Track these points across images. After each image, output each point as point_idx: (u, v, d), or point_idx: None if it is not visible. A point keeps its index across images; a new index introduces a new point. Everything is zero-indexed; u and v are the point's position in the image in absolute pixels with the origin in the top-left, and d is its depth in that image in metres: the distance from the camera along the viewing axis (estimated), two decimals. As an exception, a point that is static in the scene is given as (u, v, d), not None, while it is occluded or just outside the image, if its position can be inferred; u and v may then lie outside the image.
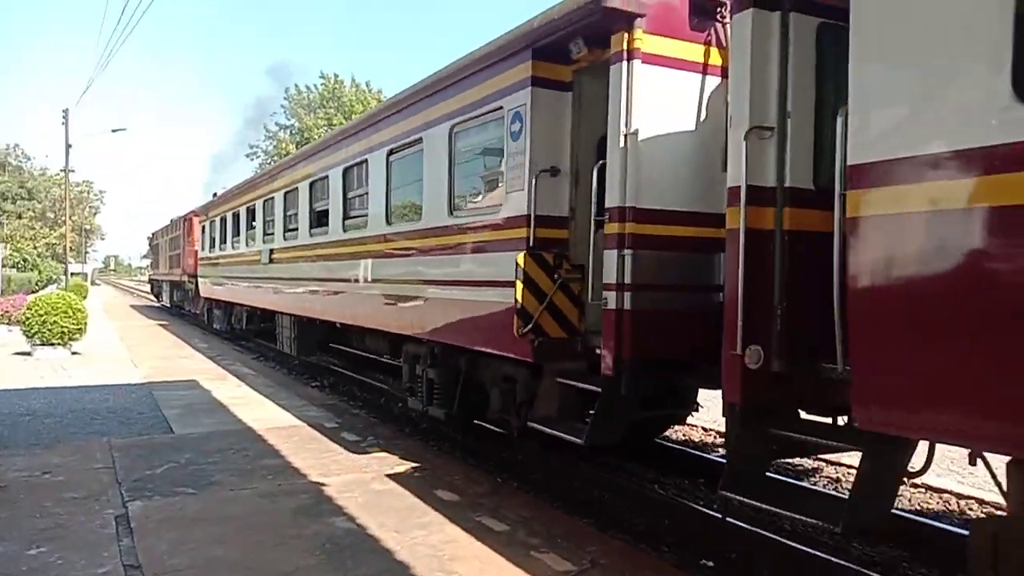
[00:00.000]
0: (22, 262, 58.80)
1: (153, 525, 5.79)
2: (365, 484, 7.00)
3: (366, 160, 10.46)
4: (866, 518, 4.58)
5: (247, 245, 18.34)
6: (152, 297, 49.22)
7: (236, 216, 19.65)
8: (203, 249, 24.73)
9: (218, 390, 12.49)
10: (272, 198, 15.86)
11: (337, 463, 7.78)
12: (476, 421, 8.95)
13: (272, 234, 15.91)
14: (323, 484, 6.94)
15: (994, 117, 3.22)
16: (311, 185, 13.09)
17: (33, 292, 39.71)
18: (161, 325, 28.75)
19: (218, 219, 22.10)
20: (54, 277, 60.45)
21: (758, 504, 4.81)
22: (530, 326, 6.47)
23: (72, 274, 50.18)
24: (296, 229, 14.02)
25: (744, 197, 4.61)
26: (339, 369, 15.10)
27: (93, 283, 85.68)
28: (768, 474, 5.55)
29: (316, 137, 45.69)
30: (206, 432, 9.19)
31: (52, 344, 16.79)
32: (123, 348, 19.58)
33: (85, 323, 17.42)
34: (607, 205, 6.05)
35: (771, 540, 5.98)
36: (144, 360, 16.58)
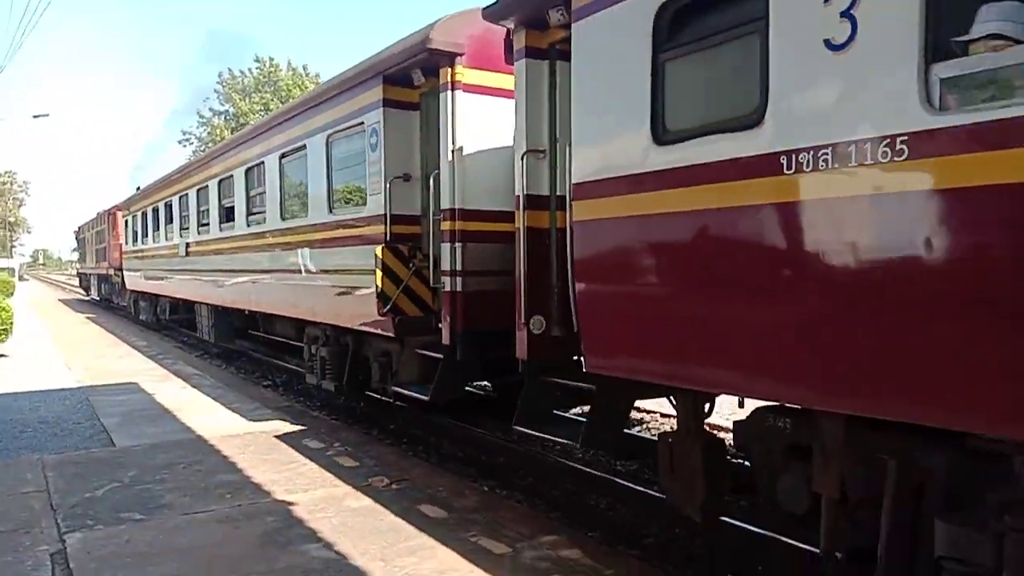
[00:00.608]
0: (-59, 258, 55.56)
1: (95, 564, 4.97)
2: (338, 501, 6.25)
3: (263, 162, 11.68)
4: (601, 436, 6.20)
5: (167, 239, 18.89)
6: (81, 291, 48.41)
7: (156, 211, 20.23)
8: (127, 243, 25.18)
9: (161, 393, 11.53)
10: (187, 194, 16.74)
11: (303, 476, 7.01)
12: (367, 392, 10.20)
13: (188, 228, 16.81)
14: (290, 503, 6.18)
15: (642, 154, 4.70)
16: (219, 183, 14.18)
17: (-47, 289, 37.31)
18: (91, 319, 27.81)
19: (140, 213, 22.75)
20: (-24, 273, 57.32)
21: (533, 432, 6.29)
22: (388, 306, 7.80)
23: (-3, 269, 47.47)
24: (208, 224, 15.11)
25: (524, 203, 6.08)
26: (257, 355, 16.17)
27: (21, 278, 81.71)
28: (555, 412, 7.02)
29: (251, 122, 44.09)
30: (151, 443, 8.31)
31: (-26, 346, 15.43)
32: (55, 348, 18.26)
33: (11, 323, 16.13)
34: (442, 207, 7.45)
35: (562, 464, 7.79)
36: (78, 361, 15.38)
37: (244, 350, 16.96)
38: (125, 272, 25.72)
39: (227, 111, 61.94)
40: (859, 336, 3.59)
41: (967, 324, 3.20)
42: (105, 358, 16.03)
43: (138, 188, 25.36)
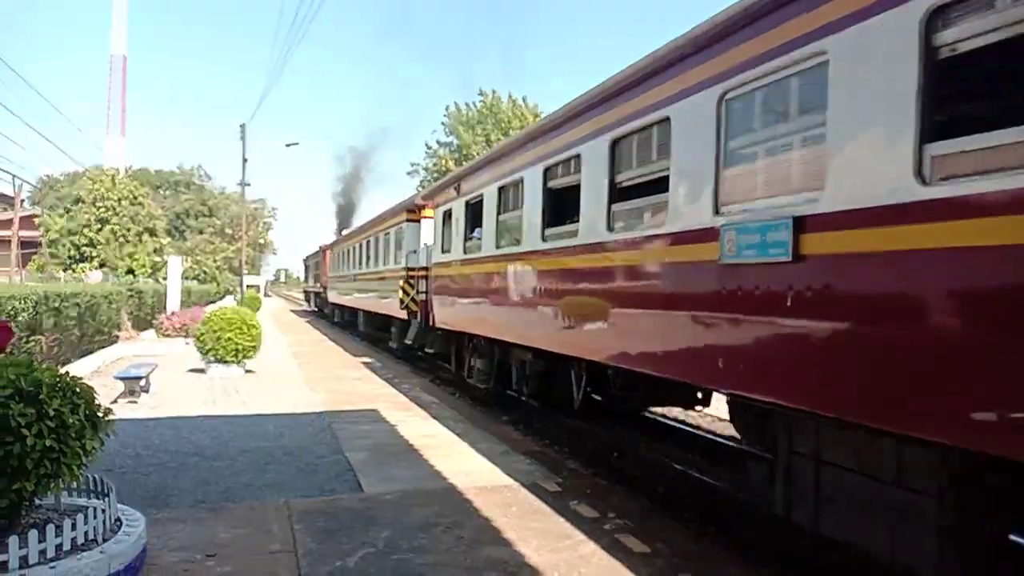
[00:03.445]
0: (202, 274, 61.60)
1: None
2: (647, 611, 4.72)
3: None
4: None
5: (364, 265, 27.32)
6: (305, 303, 68.93)
7: (345, 250, 33.27)
8: (331, 270, 38.97)
9: (404, 425, 10.69)
10: (355, 246, 29.81)
11: (587, 563, 5.54)
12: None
13: (349, 263, 31.28)
14: (586, 607, 4.73)
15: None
16: (366, 242, 26.72)
17: (211, 303, 40.77)
18: (312, 325, 39.58)
19: (338, 251, 36.52)
20: (231, 289, 63.01)
21: None
22: None
23: (248, 286, 51.77)
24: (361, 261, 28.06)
25: (405, 272, 18.32)
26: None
27: (266, 295, 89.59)
28: None
29: (476, 154, 44.65)
30: (401, 491, 7.26)
31: (226, 362, 15.78)
32: (294, 364, 18.54)
33: (259, 340, 16.34)
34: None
35: None
36: (317, 378, 15.25)
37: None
38: (328, 290, 40.35)
39: (451, 142, 63.94)
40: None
41: None
42: (343, 380, 15.79)
43: (341, 232, 44.51)
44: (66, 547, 4.68)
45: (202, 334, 15.88)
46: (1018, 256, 3.62)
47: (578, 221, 8.62)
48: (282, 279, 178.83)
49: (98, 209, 47.81)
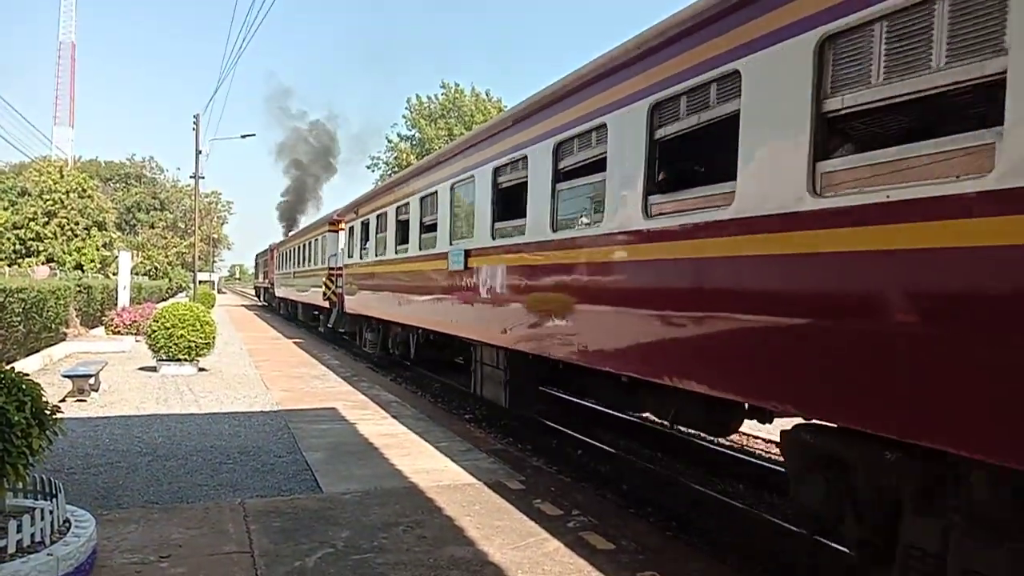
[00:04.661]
0: (153, 270, 60.28)
1: None
2: (613, 609, 4.68)
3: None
4: None
5: (292, 267, 34.29)
6: (255, 297, 73.96)
7: (291, 249, 36.94)
8: (277, 268, 44.00)
9: (363, 423, 10.53)
10: (294, 248, 35.26)
11: (552, 560, 5.49)
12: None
13: (291, 262, 36.34)
14: (551, 606, 4.68)
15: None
16: (301, 245, 32.68)
17: (164, 300, 39.88)
18: (259, 315, 44.96)
19: (282, 251, 41.48)
20: (183, 285, 61.76)
21: None
22: None
23: (200, 282, 50.91)
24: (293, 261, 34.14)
25: (327, 271, 24.53)
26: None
27: (219, 291, 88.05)
28: None
29: (436, 148, 44.48)
30: (362, 490, 7.14)
31: (179, 359, 15.41)
32: (249, 361, 18.20)
33: (213, 337, 15.98)
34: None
35: None
36: (273, 376, 14.98)
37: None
38: (274, 285, 45.14)
39: (413, 136, 63.49)
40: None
41: None
42: (300, 379, 15.54)
43: (285, 233, 49.81)
44: (11, 550, 4.47)
45: (154, 331, 15.47)
46: None
47: (406, 243, 14.52)
48: (237, 275, 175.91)
49: (45, 202, 46.49)
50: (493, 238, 9.79)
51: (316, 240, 28.15)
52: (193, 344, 15.39)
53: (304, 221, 63.59)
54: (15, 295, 16.10)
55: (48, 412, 4.94)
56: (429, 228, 12.95)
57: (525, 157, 8.90)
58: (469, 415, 12.49)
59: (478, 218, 10.43)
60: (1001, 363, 3.38)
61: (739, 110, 5.24)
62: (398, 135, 64.88)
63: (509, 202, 9.71)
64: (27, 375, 5.05)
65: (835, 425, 4.55)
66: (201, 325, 15.57)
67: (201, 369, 15.87)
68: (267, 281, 51.51)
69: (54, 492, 5.21)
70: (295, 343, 24.84)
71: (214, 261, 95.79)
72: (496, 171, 9.82)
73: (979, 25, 3.65)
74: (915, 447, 3.90)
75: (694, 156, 6.74)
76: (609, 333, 6.89)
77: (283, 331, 31.34)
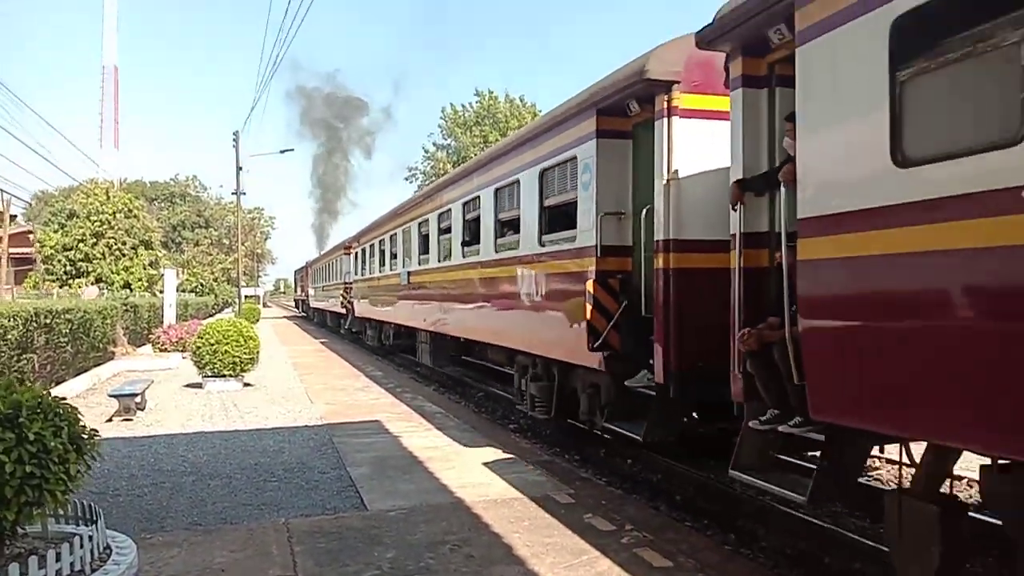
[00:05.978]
0: (199, 287, 61.22)
1: None
2: (674, 634, 4.41)
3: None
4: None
5: (328, 280, 39.28)
6: (295, 308, 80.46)
7: (319, 268, 44.15)
8: (310, 282, 52.03)
9: (407, 436, 10.38)
10: (321, 266, 42.75)
11: (607, 579, 5.25)
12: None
13: (320, 278, 43.88)
14: (608, 631, 4.42)
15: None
16: (325, 264, 41.17)
17: (210, 316, 40.43)
18: (296, 324, 50.76)
19: (315, 268, 48.47)
20: (229, 300, 62.63)
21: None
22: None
23: (246, 297, 51.60)
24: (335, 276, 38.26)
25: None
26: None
27: (265, 305, 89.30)
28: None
29: (472, 156, 44.50)
30: (407, 507, 6.95)
31: (223, 375, 15.45)
32: (294, 375, 18.23)
33: (257, 352, 16.01)
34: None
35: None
36: (316, 389, 14.93)
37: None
38: (309, 298, 52.90)
39: (449, 145, 63.68)
40: None
41: None
42: (344, 391, 15.48)
43: (320, 252, 54.72)
44: (51, 579, 4.37)
45: (199, 348, 15.55)
46: None
47: (384, 266, 20.91)
48: (282, 289, 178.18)
49: (92, 223, 47.41)
50: (419, 264, 17.01)
51: (335, 260, 35.56)
52: (238, 359, 15.43)
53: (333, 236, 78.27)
54: (62, 316, 16.32)
55: (86, 436, 4.84)
56: (394, 256, 20.22)
57: (450, 210, 14.26)
58: (514, 424, 12.27)
59: (413, 251, 17.65)
60: None
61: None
62: (434, 144, 65.14)
63: (434, 240, 15.56)
64: (65, 398, 4.96)
65: None
66: (245, 340, 15.62)
67: (246, 384, 15.91)
68: (303, 294, 60.78)
69: (94, 518, 5.11)
70: (337, 354, 25.11)
71: (259, 276, 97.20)
72: (438, 217, 15.33)
73: None
74: None
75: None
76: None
77: (323, 340, 34.44)
